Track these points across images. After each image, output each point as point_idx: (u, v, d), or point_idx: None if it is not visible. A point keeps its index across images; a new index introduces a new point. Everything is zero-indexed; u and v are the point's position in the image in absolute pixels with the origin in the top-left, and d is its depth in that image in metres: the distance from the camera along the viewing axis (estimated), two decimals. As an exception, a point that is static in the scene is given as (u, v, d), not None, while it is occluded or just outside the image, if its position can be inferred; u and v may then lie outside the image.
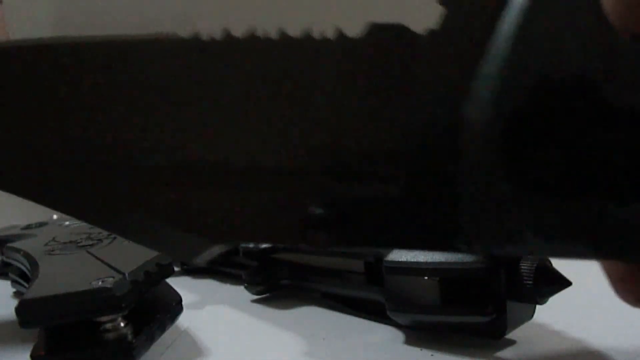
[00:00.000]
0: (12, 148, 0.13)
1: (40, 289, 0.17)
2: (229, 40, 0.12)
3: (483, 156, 0.11)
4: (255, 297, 0.26)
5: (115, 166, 0.12)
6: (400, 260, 0.18)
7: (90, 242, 0.23)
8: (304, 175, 0.12)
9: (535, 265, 0.16)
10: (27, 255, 0.23)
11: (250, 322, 0.23)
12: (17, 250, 0.25)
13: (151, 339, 0.18)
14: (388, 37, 0.11)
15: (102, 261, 0.19)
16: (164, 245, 0.13)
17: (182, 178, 0.12)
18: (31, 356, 0.16)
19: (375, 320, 0.21)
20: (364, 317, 0.21)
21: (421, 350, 0.18)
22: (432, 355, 0.17)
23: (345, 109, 0.11)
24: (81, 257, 0.20)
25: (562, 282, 0.16)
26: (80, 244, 0.23)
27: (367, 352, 0.18)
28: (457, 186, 0.11)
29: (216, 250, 0.13)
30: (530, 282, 0.16)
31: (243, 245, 0.26)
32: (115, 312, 0.16)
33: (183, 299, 0.20)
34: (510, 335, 0.18)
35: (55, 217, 0.34)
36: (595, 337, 0.18)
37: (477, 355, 0.17)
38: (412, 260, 0.18)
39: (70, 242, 0.24)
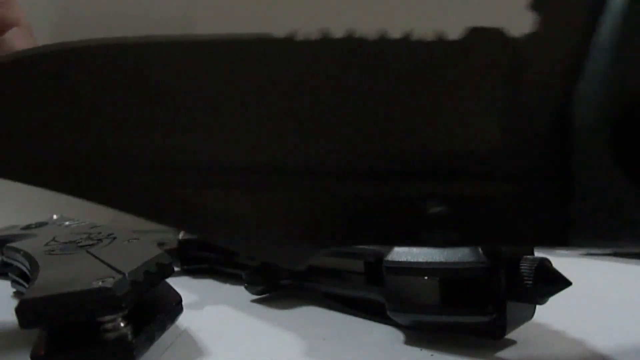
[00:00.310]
0: (91, 153, 0.12)
1: (40, 289, 0.16)
2: (325, 40, 0.12)
3: (595, 153, 0.11)
4: (255, 297, 0.26)
5: (222, 173, 0.12)
6: (400, 260, 0.18)
7: (90, 242, 0.23)
8: (421, 176, 0.12)
9: (535, 265, 0.16)
10: (27, 255, 0.23)
11: (250, 322, 0.23)
12: (17, 250, 0.25)
13: (151, 339, 0.18)
14: (488, 40, 0.11)
15: (102, 261, 0.19)
16: (271, 254, 0.13)
17: (290, 182, 0.12)
18: (31, 356, 0.16)
19: (375, 320, 0.21)
20: (364, 317, 0.21)
21: (421, 350, 0.18)
22: (432, 355, 0.17)
23: (451, 110, 0.11)
24: (81, 257, 0.20)
25: (562, 282, 0.16)
26: (80, 244, 0.23)
27: (367, 352, 0.18)
28: (570, 183, 0.11)
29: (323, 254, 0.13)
30: (530, 282, 0.16)
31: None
32: (115, 312, 0.16)
33: (183, 299, 0.20)
34: (510, 335, 0.18)
35: (55, 217, 0.34)
36: (595, 337, 0.18)
37: (477, 355, 0.17)
38: (412, 260, 0.18)
39: (70, 242, 0.23)
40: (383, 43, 0.11)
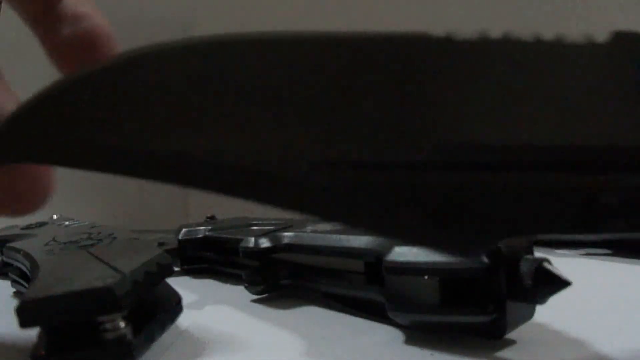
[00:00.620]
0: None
1: (40, 289, 0.17)
2: (484, 41, 0.12)
3: None
4: (255, 297, 0.26)
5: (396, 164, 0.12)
6: (400, 260, 0.18)
7: (90, 242, 0.23)
8: (597, 169, 0.12)
9: (535, 265, 0.16)
10: (27, 255, 0.23)
11: (250, 322, 0.23)
12: (17, 250, 0.25)
13: (151, 339, 0.18)
14: (632, 44, 0.12)
15: (102, 261, 0.19)
16: (444, 244, 0.13)
17: (468, 172, 0.12)
18: (31, 356, 0.16)
19: (375, 320, 0.21)
20: (364, 317, 0.21)
21: (421, 350, 0.18)
22: (432, 355, 0.17)
23: (600, 109, 0.12)
24: (81, 257, 0.20)
25: (562, 282, 0.16)
26: (80, 244, 0.23)
27: (367, 352, 0.18)
28: None
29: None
30: (530, 282, 0.16)
31: (243, 245, 0.26)
32: (115, 312, 0.16)
33: (183, 299, 0.20)
34: (510, 335, 0.18)
35: (55, 217, 0.34)
36: (595, 337, 0.18)
37: (477, 355, 0.17)
38: (412, 260, 0.18)
39: (70, 242, 0.24)
40: (539, 45, 0.12)
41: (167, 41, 0.12)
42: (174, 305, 0.19)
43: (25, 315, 0.15)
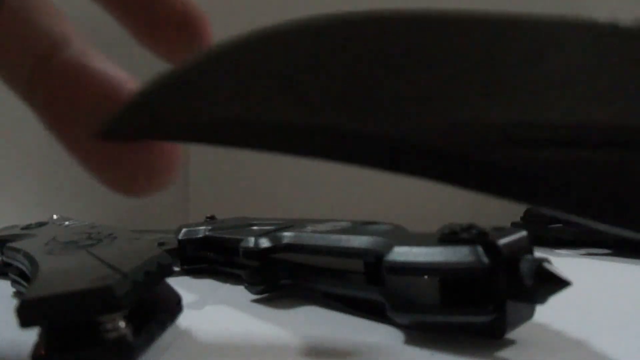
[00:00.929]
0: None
1: (40, 289, 0.16)
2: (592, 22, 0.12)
3: None
4: (255, 297, 0.26)
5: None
6: (400, 260, 0.18)
7: (90, 242, 0.23)
8: None
9: (535, 265, 0.16)
10: (27, 255, 0.23)
11: (250, 322, 0.23)
12: (17, 250, 0.25)
13: (151, 339, 0.17)
14: None
15: (103, 261, 0.19)
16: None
17: None
18: (31, 356, 0.16)
19: (375, 320, 0.21)
20: (364, 317, 0.21)
21: (421, 350, 0.18)
22: (432, 355, 0.17)
23: None
24: (81, 257, 0.20)
25: (562, 282, 0.16)
26: (80, 244, 0.23)
27: (367, 352, 0.18)
28: None
29: None
30: (530, 282, 0.16)
31: (243, 245, 0.26)
32: (115, 312, 0.16)
33: (183, 299, 0.20)
34: (510, 335, 0.18)
35: (55, 217, 0.34)
36: (595, 337, 0.18)
37: (477, 355, 0.17)
38: (412, 260, 0.18)
39: (70, 242, 0.23)
40: None
41: (328, 14, 0.12)
42: (174, 305, 0.19)
43: (25, 315, 0.15)
